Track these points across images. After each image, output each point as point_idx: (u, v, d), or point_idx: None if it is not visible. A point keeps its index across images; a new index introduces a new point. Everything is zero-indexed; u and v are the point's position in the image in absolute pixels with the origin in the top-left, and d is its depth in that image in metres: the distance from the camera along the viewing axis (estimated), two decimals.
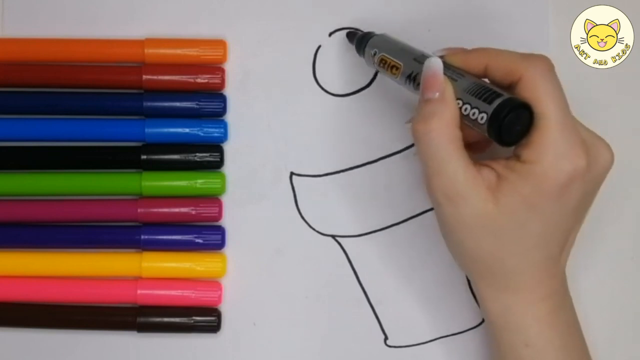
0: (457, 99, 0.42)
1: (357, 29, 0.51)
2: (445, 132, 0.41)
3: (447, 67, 0.43)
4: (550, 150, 0.40)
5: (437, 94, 0.42)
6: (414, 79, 0.44)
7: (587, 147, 0.41)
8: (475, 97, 0.41)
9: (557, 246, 0.43)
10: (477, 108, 0.41)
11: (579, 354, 0.45)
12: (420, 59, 0.44)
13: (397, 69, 0.45)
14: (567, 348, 0.44)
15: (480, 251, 0.42)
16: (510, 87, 0.42)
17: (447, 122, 0.41)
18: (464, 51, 0.44)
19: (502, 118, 0.40)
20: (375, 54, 0.47)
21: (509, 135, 0.40)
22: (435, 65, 0.43)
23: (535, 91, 0.41)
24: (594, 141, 0.43)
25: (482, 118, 0.40)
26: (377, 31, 0.49)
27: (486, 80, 0.43)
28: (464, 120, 0.42)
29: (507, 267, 0.42)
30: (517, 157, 0.41)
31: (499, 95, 0.40)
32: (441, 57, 0.44)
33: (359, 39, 0.49)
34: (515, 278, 0.43)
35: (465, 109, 0.41)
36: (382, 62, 0.47)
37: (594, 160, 0.42)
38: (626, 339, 0.52)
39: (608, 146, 0.43)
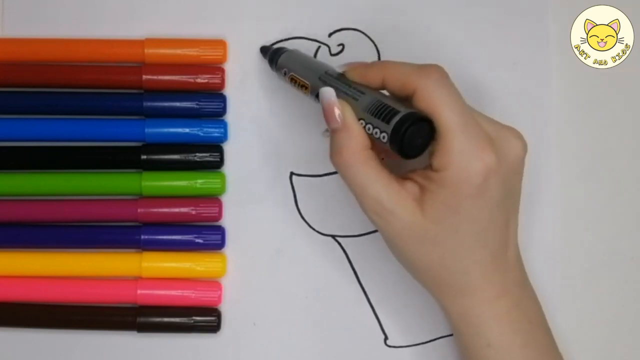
0: (360, 119, 0.43)
1: (270, 46, 0.51)
2: (357, 159, 0.42)
3: (348, 86, 0.44)
4: (456, 155, 0.41)
5: (339, 122, 0.43)
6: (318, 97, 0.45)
7: (494, 141, 0.42)
8: (375, 116, 0.42)
9: (496, 242, 0.43)
10: (378, 128, 0.42)
11: (543, 349, 0.45)
12: (323, 77, 0.45)
13: (306, 88, 0.46)
14: (531, 344, 0.44)
15: (423, 261, 0.43)
16: (407, 98, 0.42)
17: (355, 149, 0.42)
18: (363, 66, 0.45)
19: (401, 135, 0.40)
20: (285, 73, 0.48)
21: (412, 149, 0.41)
22: (328, 96, 0.44)
23: (430, 101, 0.41)
24: (501, 133, 0.43)
25: (384, 137, 0.41)
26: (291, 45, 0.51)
27: (386, 93, 0.44)
28: (372, 139, 0.43)
29: (454, 272, 0.43)
30: (430, 166, 0.42)
31: (396, 112, 0.41)
32: (342, 72, 0.45)
33: (270, 56, 0.50)
34: (465, 281, 0.43)
35: (369, 129, 0.42)
36: (293, 81, 0.47)
37: (504, 151, 0.42)
38: (626, 339, 0.52)
39: (517, 134, 0.44)
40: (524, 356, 0.44)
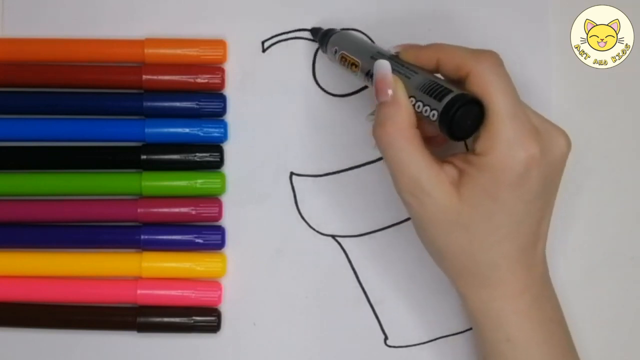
0: (410, 96, 0.43)
1: (320, 28, 0.51)
2: (402, 134, 0.42)
3: (401, 64, 0.44)
4: (502, 141, 0.41)
5: (390, 95, 0.43)
6: (371, 76, 0.45)
7: (540, 135, 0.42)
8: (427, 94, 0.42)
9: (528, 236, 0.43)
10: (428, 105, 0.42)
11: (562, 348, 0.45)
12: (376, 56, 0.45)
13: (356, 66, 0.46)
14: (549, 341, 0.44)
15: (451, 247, 0.43)
16: (460, 81, 0.43)
17: (402, 124, 0.42)
18: (417, 47, 0.45)
19: (452, 115, 0.41)
20: (336, 52, 0.48)
21: (460, 130, 0.41)
22: (383, 67, 0.44)
23: (484, 85, 0.41)
24: (548, 128, 0.43)
25: (433, 115, 0.41)
26: (348, 27, 0.51)
27: (439, 75, 0.44)
28: (420, 118, 0.42)
29: (480, 261, 0.43)
30: (473, 150, 0.42)
31: (448, 91, 0.41)
32: (396, 53, 0.45)
33: (321, 36, 0.50)
34: (490, 273, 0.43)
35: (418, 107, 0.42)
36: (343, 60, 0.47)
37: (548, 146, 0.42)
38: (627, 339, 0.52)
39: (563, 132, 0.44)
40: (542, 353, 0.43)
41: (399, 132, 0.42)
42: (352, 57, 0.47)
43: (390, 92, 0.43)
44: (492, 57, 0.42)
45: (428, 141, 0.44)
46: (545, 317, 0.44)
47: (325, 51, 0.50)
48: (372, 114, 0.44)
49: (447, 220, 0.42)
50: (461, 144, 0.44)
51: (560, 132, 0.44)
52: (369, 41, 0.48)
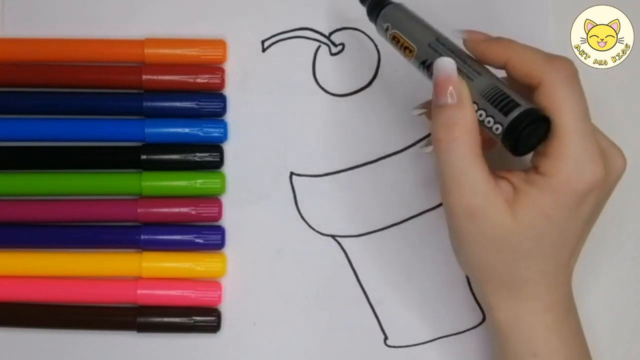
0: (473, 102, 0.40)
1: None
2: (468, 141, 0.40)
3: (463, 61, 0.41)
4: (570, 162, 0.39)
5: (453, 99, 0.40)
6: (427, 67, 0.42)
7: (605, 156, 0.41)
8: (492, 104, 0.39)
9: (567, 253, 0.42)
10: (492, 117, 0.39)
11: None
12: (435, 46, 0.42)
13: (410, 51, 0.42)
14: (573, 355, 0.43)
15: (494, 263, 0.41)
16: (529, 88, 0.41)
17: (469, 130, 0.39)
18: (486, 40, 0.42)
19: (519, 132, 0.38)
20: (387, 29, 0.43)
21: (524, 147, 0.39)
22: (447, 67, 0.40)
23: (555, 99, 0.39)
24: (610, 149, 0.42)
25: (497, 129, 0.39)
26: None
27: (503, 73, 0.42)
28: (481, 126, 0.40)
29: (520, 277, 0.42)
30: (535, 168, 0.40)
31: (516, 105, 0.39)
32: (462, 39, 0.42)
33: (370, 5, 0.45)
34: (526, 287, 0.42)
35: (481, 115, 0.40)
36: (395, 40, 0.43)
37: (610, 168, 0.41)
38: (628, 339, 0.52)
39: (622, 153, 0.43)
40: None
41: (466, 138, 0.39)
42: (407, 40, 0.42)
43: (453, 94, 0.40)
44: (568, 68, 0.40)
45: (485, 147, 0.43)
46: (570, 333, 0.43)
47: (375, 22, 0.45)
48: (426, 145, 0.41)
49: (496, 237, 0.40)
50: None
51: (619, 153, 0.42)
52: (428, 23, 0.43)
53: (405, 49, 0.43)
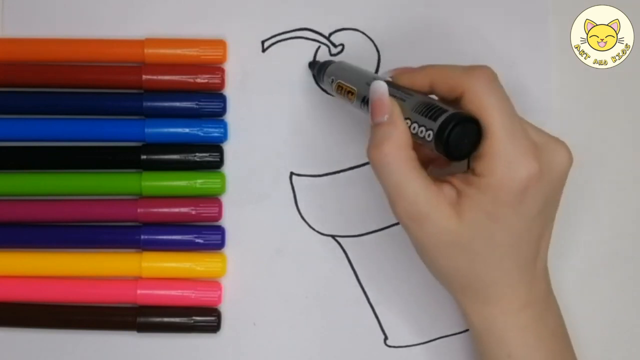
0: (406, 118, 0.42)
1: (317, 60, 0.51)
2: (399, 155, 0.41)
3: (396, 88, 0.44)
4: (501, 160, 0.40)
5: (386, 117, 0.42)
6: (367, 102, 0.44)
7: (540, 151, 0.41)
8: (422, 115, 0.41)
9: (528, 253, 0.43)
10: (424, 126, 0.41)
11: None
12: (371, 82, 0.45)
13: (352, 94, 0.46)
14: (550, 357, 0.44)
15: (453, 268, 0.43)
16: (456, 101, 0.42)
17: (398, 144, 0.41)
18: (410, 70, 0.44)
19: (447, 134, 0.40)
20: (332, 82, 0.48)
21: (457, 150, 0.40)
22: (380, 88, 0.43)
23: (479, 103, 0.41)
24: (548, 143, 0.42)
25: (429, 135, 0.40)
26: (337, 58, 0.51)
27: (434, 97, 0.43)
28: (416, 139, 0.42)
29: (483, 280, 0.43)
30: (472, 170, 0.41)
31: (444, 111, 0.40)
32: (390, 78, 0.45)
33: (318, 68, 0.50)
34: (493, 290, 0.43)
35: (414, 128, 0.41)
36: (339, 89, 0.47)
37: (549, 163, 0.42)
38: (626, 339, 0.52)
39: (563, 146, 0.43)
40: None
41: (396, 152, 0.41)
42: (348, 85, 0.46)
43: (386, 113, 0.42)
44: (485, 73, 0.41)
45: (431, 163, 0.44)
46: (548, 332, 0.44)
47: (322, 81, 0.49)
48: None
49: (447, 241, 0.42)
50: (464, 163, 0.43)
51: (560, 146, 0.43)
52: (365, 69, 0.48)
53: (348, 93, 0.46)
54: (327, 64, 0.49)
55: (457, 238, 0.41)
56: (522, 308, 0.43)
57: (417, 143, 0.42)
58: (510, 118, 0.41)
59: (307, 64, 0.51)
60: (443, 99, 0.43)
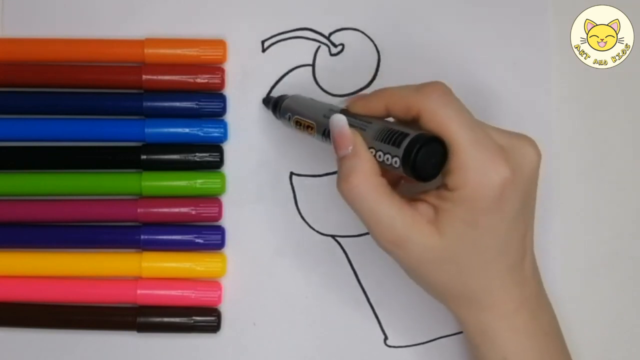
0: (370, 147, 0.42)
1: (271, 97, 0.51)
2: (367, 185, 0.41)
3: (354, 117, 0.43)
4: (471, 171, 0.40)
5: (350, 148, 0.42)
6: (327, 135, 0.44)
7: (507, 153, 0.41)
8: (385, 142, 0.41)
9: (514, 254, 0.43)
10: (389, 153, 0.41)
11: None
12: (328, 114, 0.45)
13: (311, 128, 0.46)
14: (545, 356, 0.44)
15: (443, 282, 0.43)
16: (414, 121, 0.42)
17: (366, 175, 0.41)
18: (363, 98, 0.44)
19: (413, 158, 0.40)
20: (290, 118, 0.48)
21: (426, 171, 0.40)
22: (339, 122, 0.43)
23: (438, 120, 0.40)
24: (513, 143, 0.42)
25: (395, 162, 0.40)
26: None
27: (392, 119, 0.43)
28: (383, 166, 0.42)
29: (473, 287, 0.43)
30: (445, 185, 0.41)
31: (405, 135, 0.40)
32: (345, 108, 0.45)
33: (273, 105, 0.50)
34: (486, 296, 0.43)
35: (379, 156, 0.41)
36: (298, 125, 0.47)
37: (518, 162, 0.41)
38: (626, 339, 0.52)
39: (530, 142, 0.43)
40: None
41: (364, 183, 0.41)
42: (305, 120, 0.46)
43: (349, 145, 0.42)
44: (437, 89, 0.41)
45: (404, 181, 0.44)
46: (542, 331, 0.44)
47: (279, 117, 0.49)
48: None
49: (432, 258, 0.42)
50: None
51: (526, 143, 0.43)
52: (319, 101, 0.48)
53: (307, 128, 0.46)
54: (281, 99, 0.49)
55: (441, 253, 0.41)
56: (515, 310, 0.43)
57: (385, 171, 0.42)
58: (471, 128, 0.40)
59: (261, 101, 0.51)
60: (401, 120, 0.43)
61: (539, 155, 0.43)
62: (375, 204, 0.41)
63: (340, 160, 0.43)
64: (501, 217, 0.41)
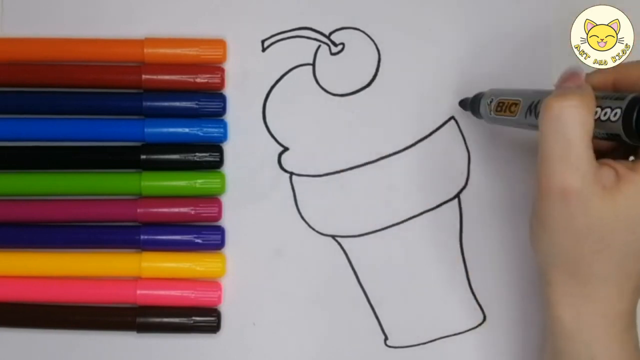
0: None
1: (467, 97, 0.50)
2: (581, 113, 0.38)
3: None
4: None
5: (580, 81, 0.40)
6: (535, 108, 0.43)
7: None
8: (606, 98, 0.39)
9: None
10: (609, 107, 0.39)
11: None
12: (536, 95, 0.43)
13: (516, 105, 0.44)
14: None
15: (572, 253, 0.40)
16: None
17: (585, 103, 0.38)
18: (589, 73, 0.42)
19: (638, 111, 0.38)
20: (491, 102, 0.47)
21: None
22: (578, 67, 0.41)
23: None
24: None
25: (615, 114, 0.38)
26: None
27: None
28: (597, 127, 0.39)
29: (598, 274, 0.40)
30: None
31: (629, 94, 0.39)
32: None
33: (473, 99, 0.49)
34: (601, 287, 0.40)
35: (596, 112, 0.39)
36: (500, 105, 0.46)
37: None
38: None
39: None
40: None
41: (580, 109, 0.38)
42: (510, 98, 0.45)
43: (579, 83, 0.40)
44: None
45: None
46: (633, 345, 0.41)
47: (477, 110, 0.48)
48: None
49: (586, 225, 0.38)
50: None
51: None
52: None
53: (511, 106, 0.45)
54: (480, 93, 0.49)
55: (599, 223, 0.38)
56: (618, 315, 0.40)
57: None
58: None
59: (456, 103, 0.51)
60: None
61: None
62: (575, 135, 0.38)
63: (563, 83, 0.40)
64: None
